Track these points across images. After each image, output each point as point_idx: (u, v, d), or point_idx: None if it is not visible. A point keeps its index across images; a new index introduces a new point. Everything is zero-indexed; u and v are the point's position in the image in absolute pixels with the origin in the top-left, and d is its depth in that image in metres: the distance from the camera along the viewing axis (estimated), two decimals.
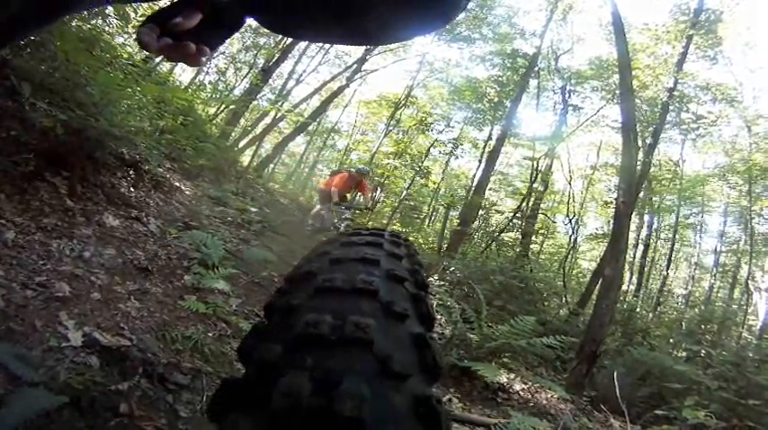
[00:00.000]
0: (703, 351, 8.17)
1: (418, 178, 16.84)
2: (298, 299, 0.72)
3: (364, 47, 16.25)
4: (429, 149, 17.62)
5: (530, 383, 5.03)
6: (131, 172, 4.18)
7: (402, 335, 0.66)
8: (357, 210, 7.93)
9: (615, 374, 5.16)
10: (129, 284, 2.71)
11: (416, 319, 0.73)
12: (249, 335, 0.73)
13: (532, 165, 13.98)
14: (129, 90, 3.86)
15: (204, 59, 0.73)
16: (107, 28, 4.48)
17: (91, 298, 2.32)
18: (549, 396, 4.89)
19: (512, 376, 5.02)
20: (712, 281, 19.37)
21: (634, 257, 18.01)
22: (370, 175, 10.62)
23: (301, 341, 0.61)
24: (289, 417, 0.51)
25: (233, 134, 14.15)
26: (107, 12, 4.33)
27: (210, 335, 2.62)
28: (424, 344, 0.66)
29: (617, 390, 4.70)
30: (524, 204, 13.72)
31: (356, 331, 0.60)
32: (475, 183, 15.01)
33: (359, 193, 8.50)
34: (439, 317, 5.09)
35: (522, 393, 4.76)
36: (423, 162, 17.05)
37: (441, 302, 5.44)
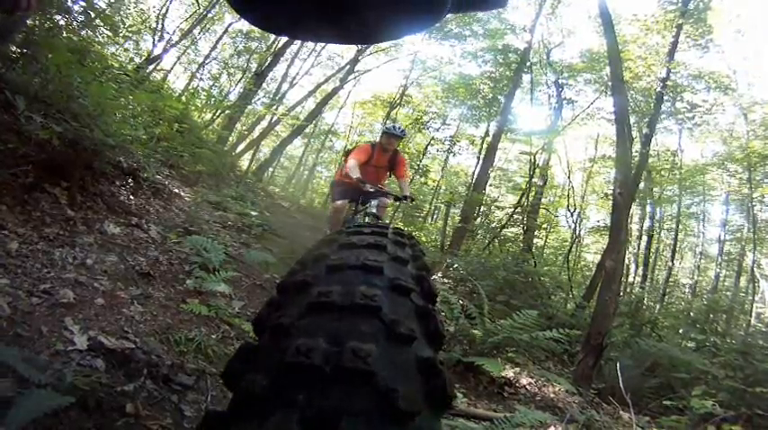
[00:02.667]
0: (711, 340, 8.13)
1: (417, 177, 16.83)
2: (288, 316, 0.64)
3: (356, 47, 16.31)
4: (426, 148, 17.63)
5: (536, 377, 5.03)
6: (130, 180, 4.21)
7: (408, 361, 0.59)
8: (392, 199, 4.82)
9: (618, 366, 5.16)
10: (131, 289, 2.74)
11: (424, 340, 0.66)
12: (234, 358, 0.65)
13: (530, 160, 13.98)
14: (123, 100, 3.89)
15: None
16: (98, 38, 4.51)
17: (95, 303, 2.35)
18: (557, 389, 4.88)
19: (518, 370, 5.02)
20: (718, 270, 19.31)
21: (638, 249, 18.00)
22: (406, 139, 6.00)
23: (291, 371, 0.53)
24: None
25: (230, 139, 14.20)
26: (97, 22, 4.36)
27: (214, 336, 2.65)
28: (433, 371, 0.59)
29: (620, 381, 4.70)
30: (524, 199, 13.71)
31: (355, 361, 0.53)
32: (474, 180, 15.03)
33: (394, 177, 5.24)
34: (441, 314, 5.08)
35: (528, 387, 4.76)
36: (421, 160, 17.06)
37: (444, 299, 5.44)
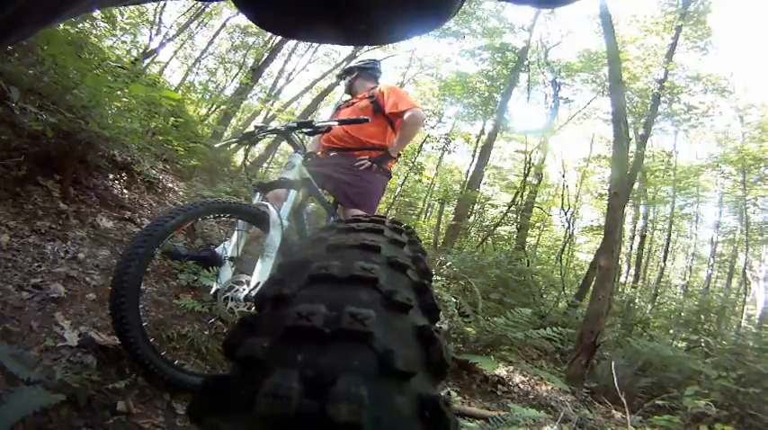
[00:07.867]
0: (703, 340, 8.19)
1: (412, 174, 16.82)
2: (289, 288, 0.66)
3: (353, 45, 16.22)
4: (422, 145, 17.62)
5: (529, 376, 5.04)
6: (124, 174, 4.17)
7: (405, 328, 0.61)
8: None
9: (613, 365, 5.18)
10: None
11: (420, 310, 0.68)
12: (236, 329, 0.66)
13: (525, 158, 14.01)
14: (119, 92, 3.84)
15: None
16: (94, 31, 4.45)
17: (86, 298, 2.33)
18: (550, 388, 4.89)
19: (511, 369, 5.03)
20: (710, 271, 19.43)
21: (631, 249, 18.07)
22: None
23: (291, 334, 0.54)
24: (275, 423, 0.45)
25: (226, 134, 14.12)
26: (94, 15, 4.31)
27: (207, 333, 2.62)
28: (429, 337, 0.61)
29: (615, 381, 4.72)
30: (518, 197, 13.74)
31: (353, 323, 0.54)
32: (468, 178, 15.04)
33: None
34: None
35: (521, 385, 4.77)
36: (416, 158, 17.04)
37: (438, 297, 5.43)
